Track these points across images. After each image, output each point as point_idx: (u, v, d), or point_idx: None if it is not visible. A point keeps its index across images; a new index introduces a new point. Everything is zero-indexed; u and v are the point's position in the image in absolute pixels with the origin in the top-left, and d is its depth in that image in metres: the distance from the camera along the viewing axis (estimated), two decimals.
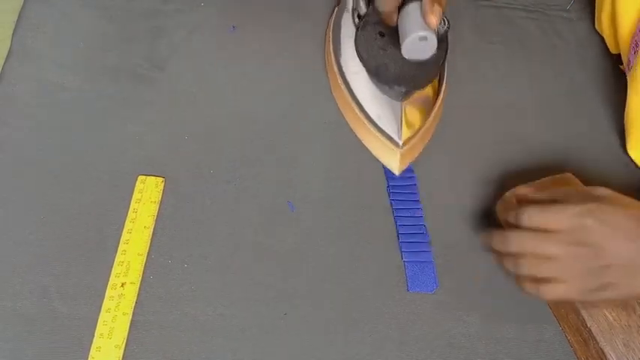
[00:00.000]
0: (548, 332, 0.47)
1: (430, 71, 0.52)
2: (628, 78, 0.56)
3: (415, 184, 0.53)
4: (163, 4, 0.61)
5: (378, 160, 0.54)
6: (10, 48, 0.56)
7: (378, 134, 0.52)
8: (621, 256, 0.40)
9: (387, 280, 0.48)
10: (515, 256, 0.43)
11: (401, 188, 0.53)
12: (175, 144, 0.53)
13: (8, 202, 0.48)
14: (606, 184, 0.43)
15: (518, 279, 0.44)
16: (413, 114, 0.53)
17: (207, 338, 0.44)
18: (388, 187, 0.53)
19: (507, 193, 0.48)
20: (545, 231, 0.42)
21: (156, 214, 0.49)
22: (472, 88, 0.60)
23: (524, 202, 0.46)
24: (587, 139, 0.58)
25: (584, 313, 0.44)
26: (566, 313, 0.46)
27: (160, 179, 0.50)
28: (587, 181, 0.48)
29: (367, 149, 0.54)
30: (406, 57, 0.48)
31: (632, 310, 0.43)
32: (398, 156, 0.52)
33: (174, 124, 0.54)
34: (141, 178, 0.50)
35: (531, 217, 0.43)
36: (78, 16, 0.59)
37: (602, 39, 0.64)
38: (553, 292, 0.42)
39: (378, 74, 0.51)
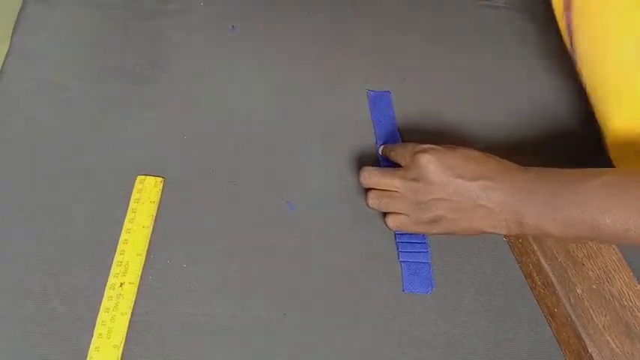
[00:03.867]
0: (548, 332, 0.47)
1: None
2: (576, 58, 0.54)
3: None
4: (163, 4, 0.61)
5: (377, 160, 0.54)
6: (10, 48, 0.56)
7: None
8: (448, 192, 0.44)
9: (385, 280, 0.48)
10: (366, 190, 0.49)
11: None
12: (175, 144, 0.53)
13: (8, 202, 0.48)
14: None
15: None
16: None
17: (207, 338, 0.44)
18: None
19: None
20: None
21: (155, 214, 0.49)
22: (472, 88, 0.60)
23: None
24: (587, 138, 0.58)
25: (586, 338, 0.43)
26: (568, 337, 0.45)
27: (159, 179, 0.50)
28: None
29: (366, 149, 0.54)
30: None
31: (636, 339, 0.43)
32: None
33: (174, 124, 0.54)
34: (140, 177, 0.50)
35: (383, 151, 0.51)
36: (78, 16, 0.59)
37: None
38: (394, 222, 0.48)
39: None
